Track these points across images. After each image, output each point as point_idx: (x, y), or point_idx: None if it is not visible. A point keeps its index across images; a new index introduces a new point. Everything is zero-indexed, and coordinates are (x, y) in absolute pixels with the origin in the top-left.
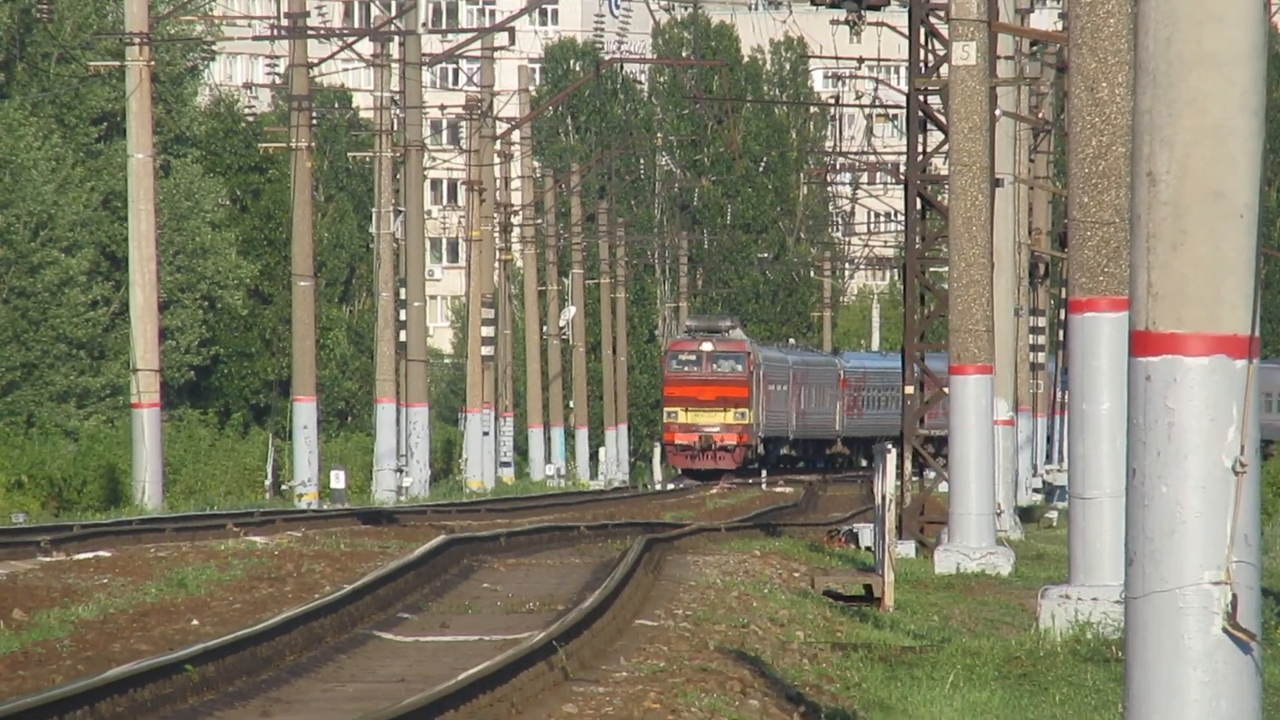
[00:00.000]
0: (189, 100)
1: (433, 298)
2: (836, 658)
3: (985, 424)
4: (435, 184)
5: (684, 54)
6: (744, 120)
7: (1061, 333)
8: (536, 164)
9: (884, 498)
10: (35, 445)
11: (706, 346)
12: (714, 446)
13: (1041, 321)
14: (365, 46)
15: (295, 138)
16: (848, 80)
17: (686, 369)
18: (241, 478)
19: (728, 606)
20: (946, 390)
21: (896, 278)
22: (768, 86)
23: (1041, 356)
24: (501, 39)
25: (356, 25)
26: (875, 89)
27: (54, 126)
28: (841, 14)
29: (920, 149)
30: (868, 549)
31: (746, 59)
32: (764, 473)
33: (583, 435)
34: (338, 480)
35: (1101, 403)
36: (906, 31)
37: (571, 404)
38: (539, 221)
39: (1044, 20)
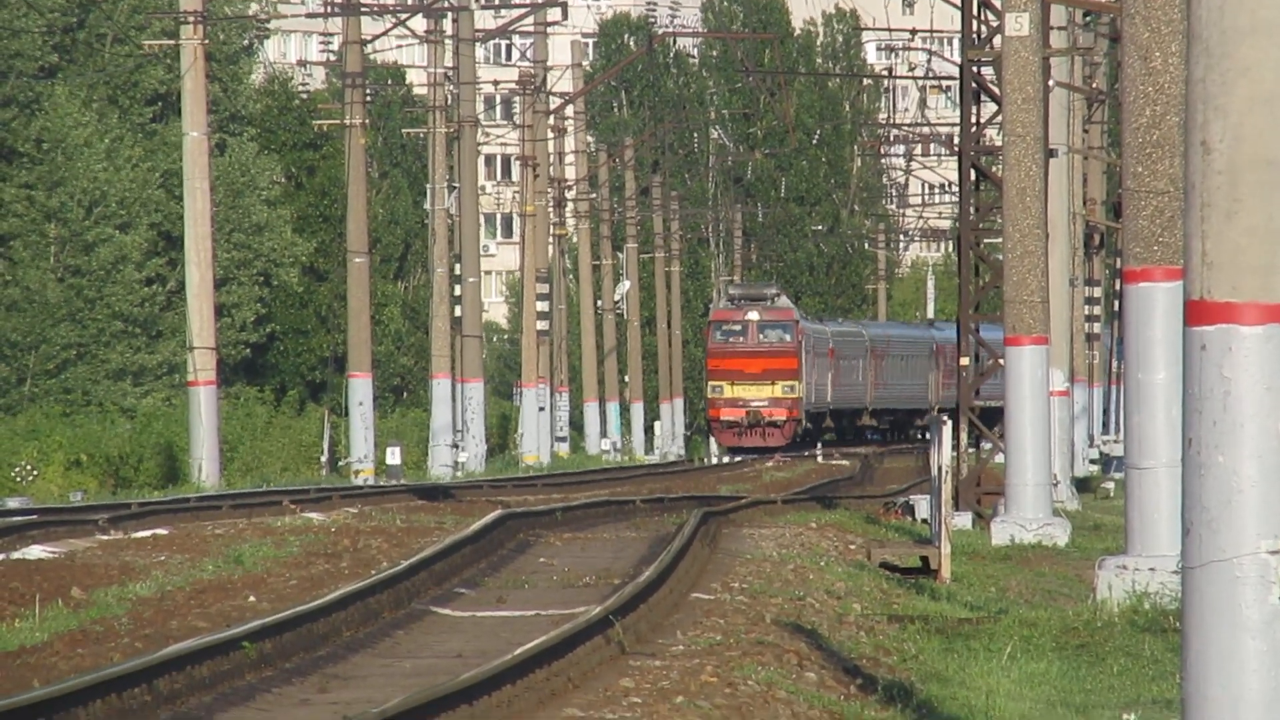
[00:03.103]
0: (243, 79)
1: (487, 273)
2: (893, 630)
3: (1041, 395)
4: (489, 159)
5: (735, 27)
6: (797, 93)
7: (1117, 303)
8: (590, 139)
9: (940, 469)
10: (93, 424)
11: (752, 316)
12: (762, 422)
13: (1097, 292)
14: (418, 23)
15: (349, 114)
16: (901, 52)
17: (731, 340)
18: (298, 454)
19: (784, 579)
20: (1002, 361)
21: (951, 249)
22: (820, 59)
23: (1097, 327)
24: (554, 14)
25: (410, 2)
26: (928, 60)
27: (109, 108)
28: None
29: (974, 120)
30: (924, 521)
31: (798, 31)
32: (819, 445)
33: (638, 409)
34: (393, 456)
35: (1157, 372)
36: (959, 2)
37: (626, 378)
38: (593, 196)
39: None
